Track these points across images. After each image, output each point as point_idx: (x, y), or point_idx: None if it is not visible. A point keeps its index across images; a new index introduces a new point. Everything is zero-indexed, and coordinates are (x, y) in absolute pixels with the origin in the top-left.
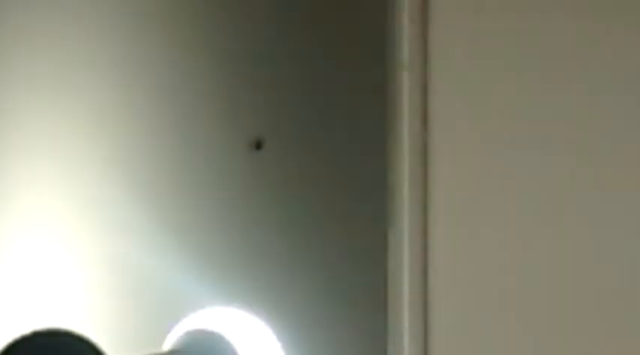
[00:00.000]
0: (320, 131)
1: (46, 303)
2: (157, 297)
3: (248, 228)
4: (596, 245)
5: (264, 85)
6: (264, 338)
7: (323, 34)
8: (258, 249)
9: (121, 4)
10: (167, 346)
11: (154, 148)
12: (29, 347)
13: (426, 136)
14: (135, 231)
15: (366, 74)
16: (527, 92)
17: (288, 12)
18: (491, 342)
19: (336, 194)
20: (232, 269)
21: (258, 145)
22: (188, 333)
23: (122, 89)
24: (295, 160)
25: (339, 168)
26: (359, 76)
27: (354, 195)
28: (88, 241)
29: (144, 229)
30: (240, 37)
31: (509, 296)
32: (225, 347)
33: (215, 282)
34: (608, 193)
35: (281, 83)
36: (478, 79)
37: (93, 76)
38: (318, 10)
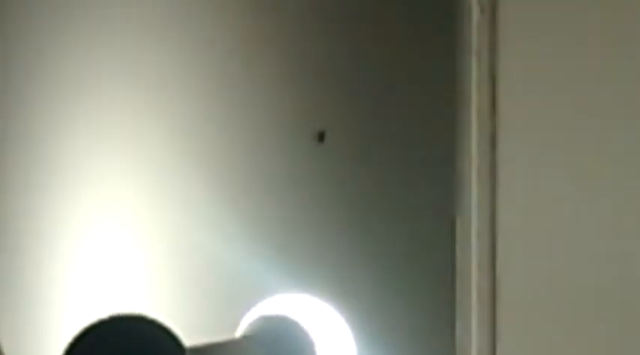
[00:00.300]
0: (385, 120)
1: (123, 293)
2: (231, 285)
3: (318, 218)
4: None
5: (326, 76)
6: (336, 325)
7: (390, 25)
8: (330, 238)
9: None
10: (241, 331)
11: (225, 141)
12: (108, 330)
13: (494, 125)
14: (210, 222)
15: (434, 63)
16: (594, 80)
17: (354, 2)
18: (559, 333)
19: (402, 182)
20: (305, 257)
21: (321, 137)
22: (262, 318)
23: (192, 85)
24: (362, 150)
25: (406, 155)
26: (426, 64)
27: (421, 183)
28: (164, 233)
29: (219, 220)
30: (305, 30)
31: (580, 287)
32: (300, 333)
33: (289, 270)
34: None
35: (345, 73)
36: (546, 67)
37: (164, 72)
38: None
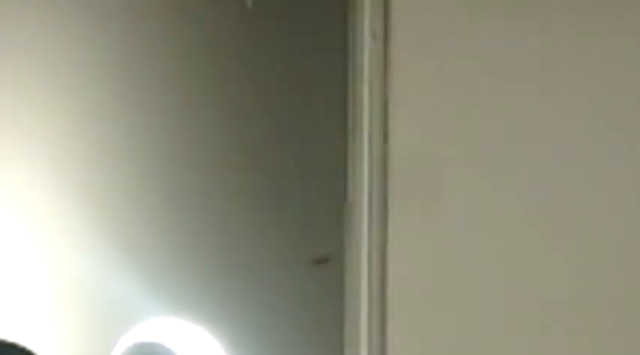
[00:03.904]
0: (278, 149)
1: None
2: (105, 309)
3: (196, 241)
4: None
5: (228, 103)
6: (211, 350)
7: (282, 49)
8: (208, 262)
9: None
10: None
11: (95, 164)
12: None
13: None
14: (81, 245)
15: (327, 91)
16: (483, 101)
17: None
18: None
19: (290, 205)
20: (183, 282)
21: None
22: (134, 345)
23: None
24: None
25: (295, 179)
26: (319, 89)
27: (310, 208)
28: (38, 258)
29: (90, 243)
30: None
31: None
32: None
33: (165, 294)
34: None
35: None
36: (438, 92)
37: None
38: (279, 27)
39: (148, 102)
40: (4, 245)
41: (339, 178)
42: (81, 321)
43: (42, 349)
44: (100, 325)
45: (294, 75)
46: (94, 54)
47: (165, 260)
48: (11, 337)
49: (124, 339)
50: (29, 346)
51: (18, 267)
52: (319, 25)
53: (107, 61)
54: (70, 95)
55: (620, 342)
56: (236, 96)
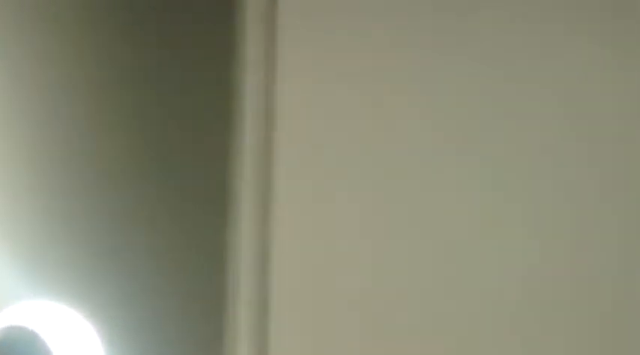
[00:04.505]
0: (162, 139)
1: None
2: None
3: (71, 221)
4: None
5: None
6: (84, 336)
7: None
8: (89, 243)
9: None
10: None
11: None
12: None
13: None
14: None
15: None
16: (370, 113)
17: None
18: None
19: (175, 194)
20: (58, 263)
21: None
22: (1, 330)
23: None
24: (130, 156)
25: (179, 167)
26: (203, 76)
27: (194, 196)
28: None
29: None
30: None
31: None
32: (37, 344)
33: (37, 277)
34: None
35: (118, 81)
36: (324, 84)
37: None
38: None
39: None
40: None
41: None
42: None
43: None
44: None
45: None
46: None
47: (38, 241)
48: None
49: None
50: None
51: None
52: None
53: None
54: None
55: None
56: (111, 113)
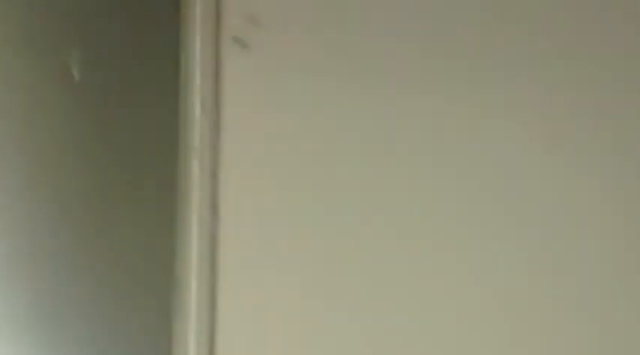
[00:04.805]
0: (107, 217)
1: None
2: None
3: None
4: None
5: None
6: None
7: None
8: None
9: None
10: None
11: None
12: None
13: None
14: None
15: (155, 167)
16: (312, 175)
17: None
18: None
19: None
20: None
21: None
22: None
23: None
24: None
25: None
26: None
27: (140, 281)
28: None
29: None
30: None
31: None
32: None
33: None
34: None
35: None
36: (268, 166)
37: None
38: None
39: None
40: None
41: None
42: None
43: None
44: None
45: (123, 149)
46: None
47: None
48: None
49: None
50: None
51: None
52: (151, 99)
53: None
54: None
55: None
56: (62, 172)
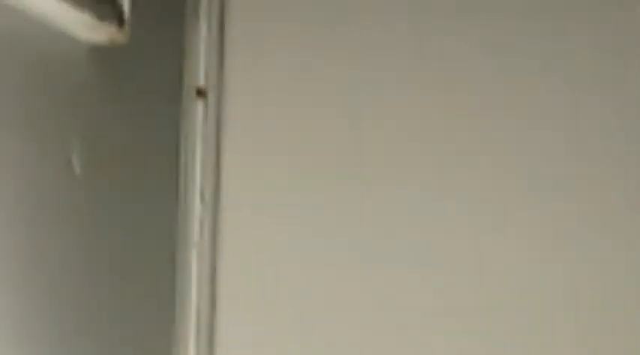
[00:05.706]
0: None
1: None
2: None
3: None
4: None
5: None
6: None
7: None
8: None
9: None
10: None
11: None
12: None
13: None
14: None
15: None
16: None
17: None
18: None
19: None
20: None
21: None
22: None
23: None
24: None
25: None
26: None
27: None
28: None
29: None
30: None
31: None
32: None
33: None
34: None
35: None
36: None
37: None
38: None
39: None
40: None
41: None
42: None
43: None
44: None
45: (125, 240)
46: None
47: None
48: None
49: None
50: None
51: None
52: (151, 190)
53: None
54: None
55: None
56: (64, 265)
